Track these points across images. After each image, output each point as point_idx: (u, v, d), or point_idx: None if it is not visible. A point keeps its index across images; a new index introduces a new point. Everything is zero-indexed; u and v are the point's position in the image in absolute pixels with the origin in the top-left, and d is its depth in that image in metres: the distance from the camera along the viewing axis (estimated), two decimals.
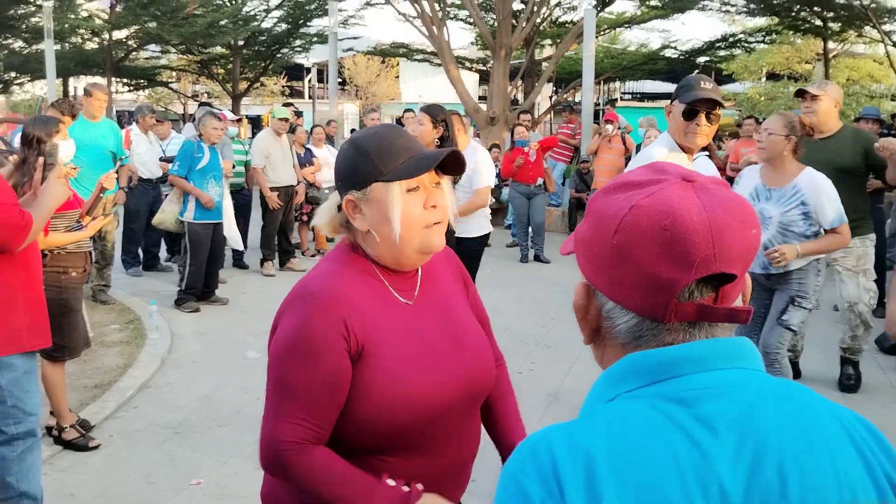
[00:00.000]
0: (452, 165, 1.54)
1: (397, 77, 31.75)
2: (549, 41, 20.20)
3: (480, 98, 20.95)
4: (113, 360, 5.43)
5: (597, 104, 24.12)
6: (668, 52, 19.26)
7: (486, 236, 5.38)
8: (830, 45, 18.60)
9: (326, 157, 9.60)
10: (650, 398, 0.84)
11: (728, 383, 0.84)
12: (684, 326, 0.86)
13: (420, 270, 1.64)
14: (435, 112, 4.69)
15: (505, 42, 13.80)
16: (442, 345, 1.56)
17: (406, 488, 1.49)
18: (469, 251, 5.26)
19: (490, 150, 12.03)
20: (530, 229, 9.62)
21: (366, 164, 1.52)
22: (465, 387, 1.55)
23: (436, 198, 1.53)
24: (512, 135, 10.14)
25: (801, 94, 4.70)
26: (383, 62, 28.67)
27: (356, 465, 1.48)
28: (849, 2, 15.96)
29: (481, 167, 5.05)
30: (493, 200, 12.05)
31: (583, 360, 5.43)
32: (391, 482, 1.48)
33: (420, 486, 1.50)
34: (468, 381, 1.55)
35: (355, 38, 20.24)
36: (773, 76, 24.44)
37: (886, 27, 16.47)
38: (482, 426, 1.71)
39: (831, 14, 16.71)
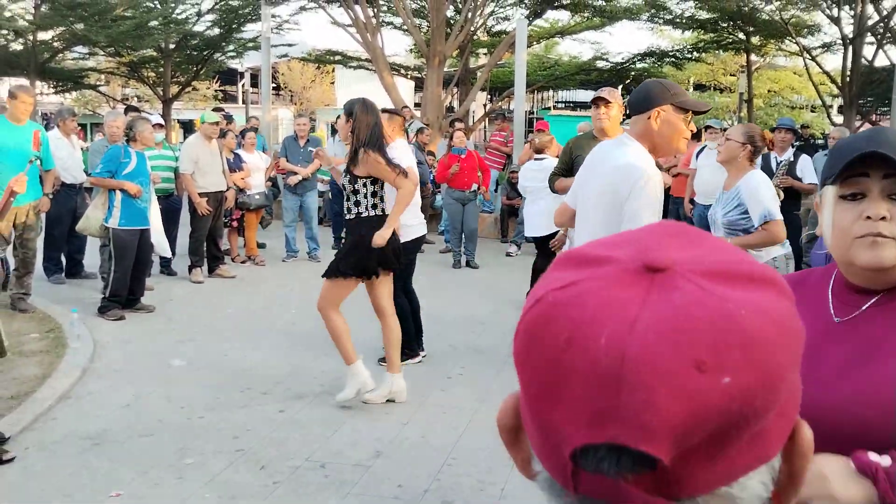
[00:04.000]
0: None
1: (332, 83, 31.60)
2: (483, 50, 20.41)
3: (416, 105, 21.01)
4: (31, 370, 5.27)
5: (531, 113, 24.42)
6: (600, 64, 19.66)
7: (408, 245, 5.43)
8: (753, 58, 19.27)
9: (257, 163, 9.51)
10: None
11: None
12: None
13: (889, 293, 1.37)
14: (347, 106, 4.78)
15: (438, 50, 13.90)
16: (832, 366, 1.35)
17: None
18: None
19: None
20: (463, 235, 9.69)
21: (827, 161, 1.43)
22: (838, 416, 1.31)
23: (879, 208, 1.32)
24: (450, 140, 10.19)
25: (596, 101, 5.02)
26: (318, 67, 28.50)
27: None
28: (770, 17, 16.60)
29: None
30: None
31: (510, 364, 5.50)
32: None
33: None
34: (844, 413, 1.31)
35: (290, 44, 20.08)
36: (699, 87, 25.20)
37: (805, 41, 17.17)
38: None
39: (753, 29, 17.33)
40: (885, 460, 1.22)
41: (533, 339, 0.54)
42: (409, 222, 5.35)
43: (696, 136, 9.40)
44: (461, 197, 9.60)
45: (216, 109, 11.31)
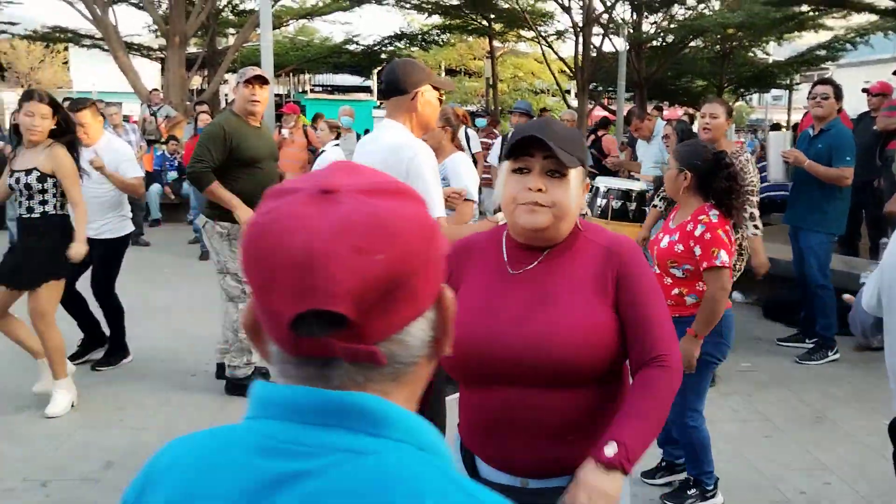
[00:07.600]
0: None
1: (65, 63, 28.94)
2: (232, 30, 19.65)
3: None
4: None
5: (287, 96, 23.98)
6: (352, 46, 19.67)
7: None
8: (496, 44, 20.28)
9: None
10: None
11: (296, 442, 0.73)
12: (318, 364, 0.74)
13: (552, 251, 1.72)
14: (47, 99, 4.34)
15: (179, 29, 13.16)
16: (513, 311, 1.66)
17: None
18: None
19: (167, 142, 11.42)
20: None
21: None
22: (530, 352, 1.61)
23: (538, 182, 1.65)
24: (195, 123, 9.61)
25: (252, 81, 4.58)
26: (47, 46, 25.94)
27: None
28: (510, 6, 17.54)
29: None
30: (174, 196, 11.47)
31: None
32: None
33: None
34: (535, 349, 1.61)
35: (12, 23, 17.95)
36: (450, 71, 26.13)
37: (542, 29, 18.35)
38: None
39: (494, 16, 18.23)
40: (611, 449, 1.53)
41: (249, 249, 0.74)
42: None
43: None
44: None
45: None
